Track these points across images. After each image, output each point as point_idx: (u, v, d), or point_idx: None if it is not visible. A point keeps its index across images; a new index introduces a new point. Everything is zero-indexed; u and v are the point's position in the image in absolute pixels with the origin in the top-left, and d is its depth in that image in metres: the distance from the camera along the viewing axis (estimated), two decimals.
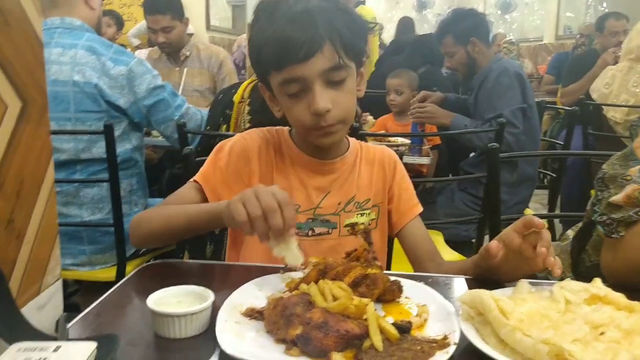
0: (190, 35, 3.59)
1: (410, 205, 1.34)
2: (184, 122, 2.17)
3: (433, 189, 3.00)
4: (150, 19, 3.38)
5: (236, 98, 2.19)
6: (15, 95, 0.82)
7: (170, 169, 3.18)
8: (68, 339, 0.80)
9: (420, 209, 1.35)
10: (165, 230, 1.17)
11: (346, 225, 1.23)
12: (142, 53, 3.97)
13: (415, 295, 0.96)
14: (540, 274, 1.34)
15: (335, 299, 0.84)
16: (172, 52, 3.49)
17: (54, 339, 0.80)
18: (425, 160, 2.69)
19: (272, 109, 1.27)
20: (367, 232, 1.00)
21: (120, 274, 2.14)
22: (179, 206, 1.19)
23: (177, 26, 3.38)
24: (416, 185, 1.40)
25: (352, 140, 1.35)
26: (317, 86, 1.12)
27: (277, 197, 0.93)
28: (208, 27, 7.69)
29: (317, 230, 1.26)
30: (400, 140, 2.79)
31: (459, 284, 1.09)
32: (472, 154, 3.12)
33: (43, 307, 0.91)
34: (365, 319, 0.81)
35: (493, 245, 0.99)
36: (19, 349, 0.71)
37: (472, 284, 1.07)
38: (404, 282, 0.97)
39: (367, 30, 1.23)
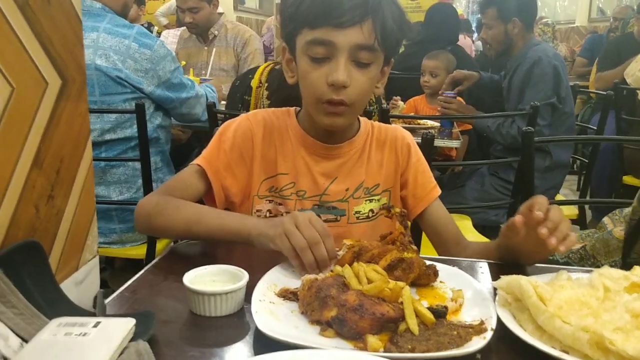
0: (220, 14, 3.58)
1: (428, 189, 1.29)
2: (213, 102, 2.18)
3: (462, 172, 2.97)
4: None
5: (254, 83, 2.19)
6: (55, 73, 0.83)
7: (198, 148, 3.21)
8: (106, 315, 0.82)
9: (438, 191, 1.30)
10: (182, 234, 1.13)
11: (382, 208, 1.21)
12: (172, 33, 3.98)
13: (450, 280, 0.95)
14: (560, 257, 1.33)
15: (370, 281, 0.84)
16: (201, 32, 3.50)
17: (92, 314, 0.82)
18: (455, 144, 2.66)
19: (285, 74, 1.24)
20: (403, 215, 1.00)
21: (151, 252, 2.17)
22: (197, 211, 1.12)
23: (205, 7, 3.39)
24: (445, 169, 1.37)
25: (363, 120, 1.31)
26: (343, 58, 1.10)
27: (317, 228, 0.94)
28: (236, 7, 7.67)
29: (324, 217, 1.23)
30: (430, 123, 2.76)
31: (490, 268, 1.07)
32: None
33: (81, 282, 0.93)
34: (401, 303, 0.80)
35: (518, 219, 0.97)
36: (59, 324, 0.72)
37: (495, 268, 1.06)
38: (438, 266, 0.96)
39: (407, 35, 1.20)
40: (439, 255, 1.28)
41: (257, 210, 1.25)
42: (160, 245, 2.19)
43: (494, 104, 3.10)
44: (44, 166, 0.80)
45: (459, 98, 2.99)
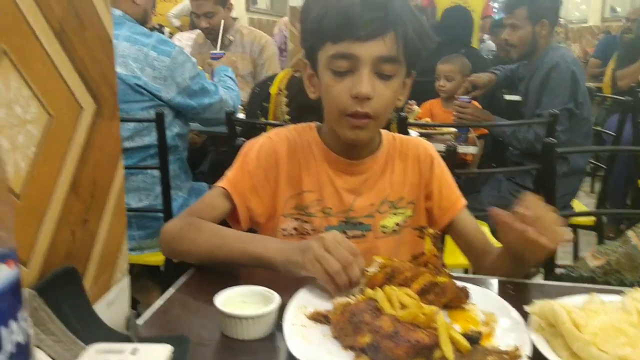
0: (235, 19, 3.59)
1: (453, 200, 1.29)
2: (232, 110, 2.18)
3: (478, 177, 2.96)
4: (194, 4, 3.40)
5: (273, 90, 2.19)
6: (90, 97, 0.83)
7: (213, 152, 3.22)
8: (140, 338, 0.82)
9: (463, 202, 1.30)
10: (205, 258, 1.12)
11: (414, 228, 1.21)
12: (185, 36, 4.00)
13: (481, 302, 0.95)
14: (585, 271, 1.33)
15: (402, 306, 0.84)
16: (216, 37, 3.50)
17: (126, 337, 0.82)
18: (472, 150, 2.65)
19: (307, 89, 1.23)
20: (436, 237, 0.99)
21: (169, 259, 2.18)
22: (220, 235, 1.11)
23: (220, 12, 3.39)
24: (460, 175, 1.37)
25: (384, 133, 1.30)
26: (366, 70, 1.09)
27: (346, 248, 0.94)
28: (248, 8, 7.67)
29: (351, 233, 1.23)
30: (445, 129, 2.76)
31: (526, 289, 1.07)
32: None
33: (112, 303, 0.93)
34: (435, 328, 0.80)
35: (494, 213, 1.03)
36: (97, 350, 0.72)
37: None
38: (468, 286, 0.96)
39: (428, 45, 1.19)
40: (470, 262, 1.29)
41: (283, 229, 1.25)
42: None
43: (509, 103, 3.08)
44: (79, 191, 0.81)
45: (474, 102, 2.98)
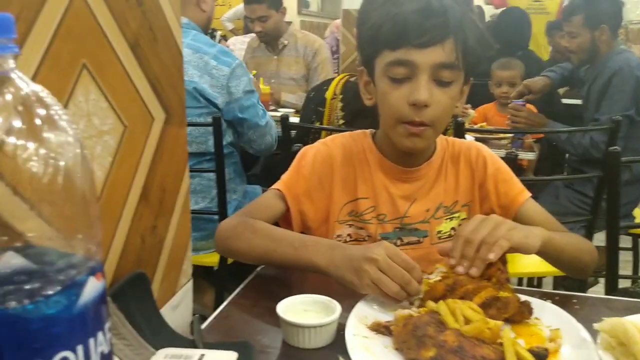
0: (289, 23, 3.62)
1: (513, 195, 1.24)
2: (286, 115, 2.20)
3: (535, 183, 2.89)
4: (248, 8, 3.46)
5: (328, 95, 2.20)
6: (160, 107, 0.86)
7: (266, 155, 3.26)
8: (205, 344, 0.84)
9: (525, 195, 1.24)
10: (258, 259, 1.13)
11: None
12: (239, 40, 4.05)
13: (545, 317, 0.92)
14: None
15: (466, 319, 0.83)
16: (270, 40, 3.54)
17: (191, 342, 0.84)
18: (529, 155, 2.60)
19: (363, 96, 1.22)
20: None
21: (223, 260, 2.22)
22: (274, 237, 1.11)
23: (273, 15, 3.43)
24: None
25: (439, 138, 1.26)
26: (425, 76, 1.08)
27: (401, 264, 0.92)
28: (300, 11, 7.72)
29: (406, 239, 1.23)
30: (502, 134, 2.71)
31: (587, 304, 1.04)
32: None
33: (177, 307, 0.96)
34: (500, 344, 0.79)
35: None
36: (165, 355, 0.74)
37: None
38: (532, 300, 0.94)
39: (488, 52, 1.18)
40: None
41: (338, 236, 1.25)
42: None
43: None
44: (149, 197, 0.83)
45: (528, 106, 2.92)
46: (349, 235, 1.25)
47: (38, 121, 0.41)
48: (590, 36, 2.72)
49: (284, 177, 1.23)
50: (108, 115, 0.72)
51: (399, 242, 1.23)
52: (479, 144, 1.32)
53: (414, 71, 1.08)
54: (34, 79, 0.61)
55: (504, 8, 4.19)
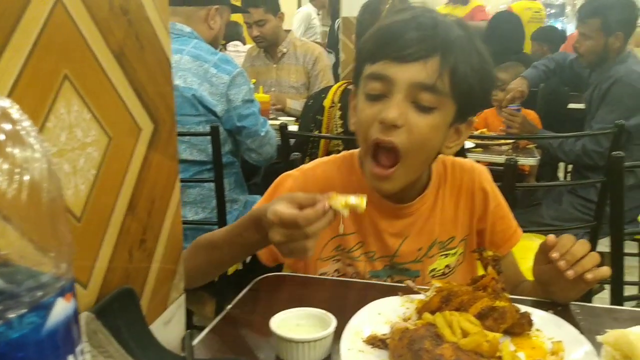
0: (287, 31, 3.61)
1: (507, 235, 1.20)
2: (285, 123, 2.18)
3: (538, 189, 2.87)
4: (245, 14, 3.45)
5: (326, 103, 2.18)
6: (147, 118, 0.83)
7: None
8: (194, 359, 0.81)
9: (519, 235, 1.21)
10: (209, 268, 1.10)
11: (473, 251, 1.13)
12: (242, 47, 4.04)
13: (547, 329, 0.90)
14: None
15: (464, 332, 0.80)
16: (268, 47, 3.53)
17: (182, 358, 0.82)
18: (531, 161, 2.58)
19: (349, 120, 1.13)
20: (496, 260, 0.95)
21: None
22: (209, 238, 1.10)
23: (271, 19, 3.42)
24: (519, 187, 1.30)
25: (434, 164, 1.16)
26: (400, 95, 0.98)
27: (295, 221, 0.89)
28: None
29: (397, 278, 1.16)
30: (502, 141, 2.69)
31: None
32: None
33: (168, 322, 0.93)
34: (499, 357, 0.76)
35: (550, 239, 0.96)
36: None
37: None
38: (532, 311, 0.91)
39: (488, 87, 1.08)
40: None
41: (322, 273, 1.17)
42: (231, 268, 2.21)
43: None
44: (136, 211, 0.81)
45: (526, 111, 2.90)
46: (336, 271, 1.18)
47: (1, 136, 0.39)
48: (603, 41, 2.68)
49: (257, 204, 1.14)
50: (91, 126, 0.70)
51: (389, 281, 1.16)
52: (482, 169, 1.22)
53: (389, 88, 0.99)
54: (11, 91, 0.59)
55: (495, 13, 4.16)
